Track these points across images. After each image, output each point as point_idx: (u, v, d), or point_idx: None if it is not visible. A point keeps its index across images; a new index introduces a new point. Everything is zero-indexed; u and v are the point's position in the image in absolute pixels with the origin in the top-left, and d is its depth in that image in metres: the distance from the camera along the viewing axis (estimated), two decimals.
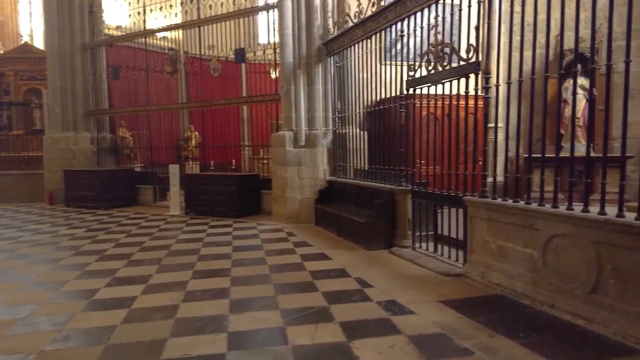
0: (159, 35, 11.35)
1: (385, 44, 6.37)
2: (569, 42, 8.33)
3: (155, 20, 10.99)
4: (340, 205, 6.64)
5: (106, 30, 11.05)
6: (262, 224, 7.35)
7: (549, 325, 3.06)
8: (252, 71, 13.42)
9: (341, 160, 7.18)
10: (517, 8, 8.91)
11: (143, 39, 10.36)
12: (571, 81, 8.58)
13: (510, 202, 3.78)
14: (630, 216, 2.85)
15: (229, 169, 10.79)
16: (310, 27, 7.20)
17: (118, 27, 11.46)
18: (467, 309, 3.37)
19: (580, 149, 7.70)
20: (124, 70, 10.59)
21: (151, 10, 10.33)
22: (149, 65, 10.32)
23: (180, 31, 11.34)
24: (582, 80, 8.29)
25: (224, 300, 3.69)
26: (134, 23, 10.83)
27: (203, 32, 9.60)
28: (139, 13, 10.37)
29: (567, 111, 8.48)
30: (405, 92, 5.26)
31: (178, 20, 10.27)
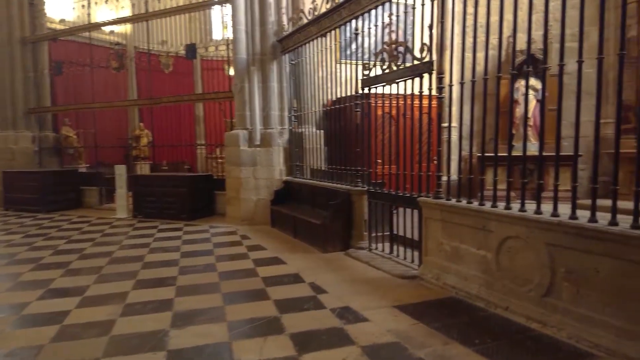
0: (107, 29, 10.74)
1: (341, 42, 6.24)
2: (520, 44, 8.57)
3: (101, 13, 10.40)
4: (297, 206, 6.46)
5: (49, 24, 10.33)
6: (215, 226, 7.05)
7: (504, 330, 3.01)
8: (208, 68, 13.00)
9: (298, 160, 7.00)
10: (470, 9, 9.07)
11: (88, 33, 9.74)
12: (522, 82, 8.81)
13: (464, 203, 3.73)
14: (583, 218, 2.83)
15: (182, 168, 10.37)
16: (264, 23, 6.97)
17: (62, 21, 10.75)
18: (422, 314, 3.28)
19: (532, 148, 7.92)
20: (67, 66, 9.94)
21: (96, 2, 9.75)
22: (93, 60, 9.73)
23: (129, 25, 10.77)
24: (533, 81, 8.49)
25: (167, 313, 3.42)
26: (78, 16, 10.21)
27: (153, 26, 9.15)
28: (83, 6, 9.76)
29: (519, 111, 8.68)
30: (360, 92, 5.14)
31: (127, 13, 9.75)
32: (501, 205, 3.41)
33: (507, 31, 9.05)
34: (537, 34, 9.01)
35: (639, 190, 2.54)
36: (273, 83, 7.05)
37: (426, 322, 3.14)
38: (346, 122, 5.75)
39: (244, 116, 7.01)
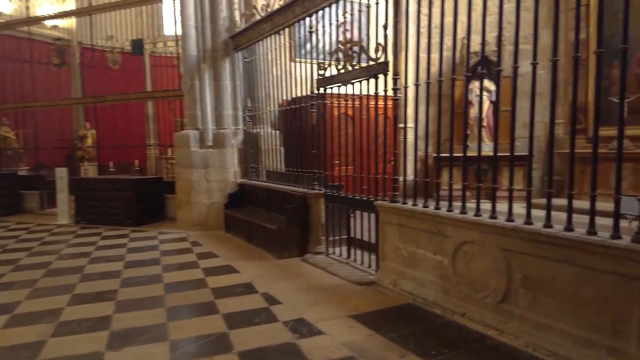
0: (49, 23, 10.03)
1: (296, 41, 6.05)
2: (474, 45, 8.69)
3: (43, 7, 9.70)
4: (252, 210, 6.22)
5: None
6: (164, 232, 6.68)
7: (461, 338, 2.92)
8: (158, 64, 12.44)
9: (253, 162, 6.75)
10: (425, 10, 9.12)
11: (27, 28, 9.04)
12: (476, 83, 8.95)
13: (420, 207, 3.64)
14: (539, 222, 2.79)
15: (132, 170, 9.84)
16: (215, 19, 6.67)
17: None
18: (378, 324, 3.15)
19: (485, 149, 8.04)
20: (3, 62, 9.21)
21: None
22: (33, 57, 9.06)
23: (74, 20, 10.11)
24: (487, 83, 8.64)
25: (104, 332, 3.12)
26: (16, 9, 9.49)
27: (99, 21, 8.62)
28: None
29: (473, 112, 8.81)
30: (315, 92, 4.97)
31: (71, 7, 9.13)
32: (457, 209, 3.34)
33: (461, 32, 9.16)
34: (491, 35, 9.20)
35: (594, 195, 2.51)
36: (226, 81, 6.76)
37: (383, 332, 3.01)
38: (302, 122, 5.57)
39: (195, 115, 6.69)
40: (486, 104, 8.74)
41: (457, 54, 9.81)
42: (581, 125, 8.48)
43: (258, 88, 6.51)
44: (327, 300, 3.66)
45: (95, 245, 5.92)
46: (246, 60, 6.65)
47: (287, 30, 5.57)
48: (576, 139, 8.62)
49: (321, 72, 4.80)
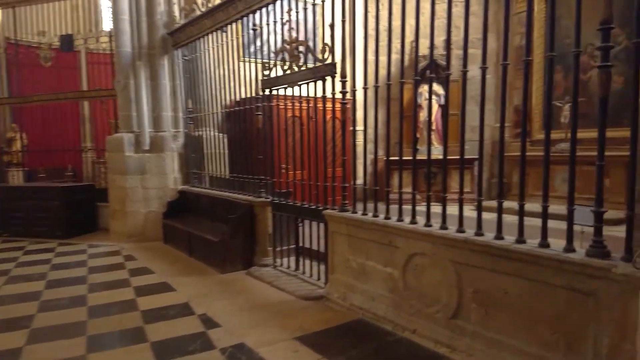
0: None
1: (243, 39, 5.71)
2: (422, 49, 8.72)
3: None
4: (194, 220, 5.82)
5: None
6: (95, 245, 6.12)
7: (411, 357, 2.75)
8: (97, 62, 11.61)
9: (196, 167, 6.34)
10: (373, 12, 9.05)
11: None
12: (425, 87, 8.99)
13: (370, 216, 3.45)
14: (489, 233, 2.66)
15: (64, 176, 9.07)
16: (152, 14, 6.20)
17: None
18: (326, 346, 2.92)
19: (434, 152, 8.07)
20: None
21: None
22: None
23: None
24: (435, 86, 8.68)
25: None
26: None
27: (29, 15, 7.85)
28: None
29: (422, 116, 8.84)
30: (261, 93, 4.68)
31: None
32: (407, 219, 3.18)
33: (410, 36, 9.17)
34: (439, 39, 9.30)
35: (546, 206, 2.40)
36: (164, 80, 6.31)
37: (330, 355, 2.78)
38: (248, 125, 5.24)
39: (130, 117, 6.18)
40: (435, 108, 8.79)
41: (406, 57, 9.83)
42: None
43: (200, 88, 6.10)
44: (272, 319, 3.38)
45: (15, 262, 5.30)
46: (186, 58, 6.24)
47: (232, 27, 5.22)
48: (519, 142, 8.79)
49: (266, 72, 4.52)
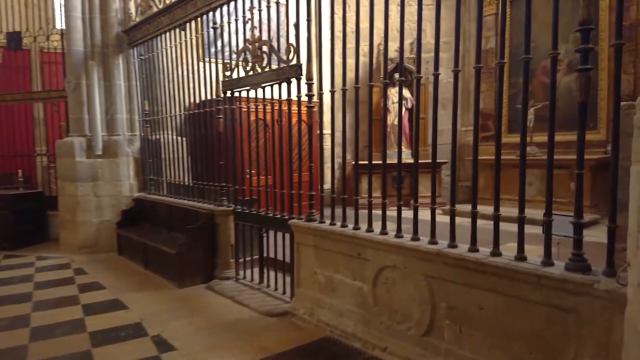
0: None
1: (204, 38, 5.41)
2: (390, 52, 8.65)
3: None
4: (151, 230, 5.47)
5: None
6: (44, 257, 5.66)
7: None
8: (52, 61, 10.95)
9: (153, 173, 5.97)
10: (340, 13, 8.92)
11: None
12: (392, 90, 8.93)
13: (338, 226, 3.27)
14: (463, 245, 2.52)
15: (15, 182, 8.45)
16: (106, 10, 5.82)
17: None
18: None
19: (403, 156, 8.01)
20: None
21: None
22: None
23: None
24: (404, 90, 8.63)
25: None
26: None
27: None
28: None
29: (390, 119, 8.77)
30: (221, 95, 4.42)
31: None
32: (378, 229, 3.01)
33: (377, 38, 9.07)
34: (407, 42, 9.27)
35: (522, 217, 2.28)
36: (119, 81, 5.93)
37: None
38: (209, 129, 4.95)
39: (81, 120, 5.77)
40: (403, 112, 8.73)
41: (374, 60, 9.75)
42: (490, 132, 8.80)
43: (158, 89, 5.75)
44: (233, 340, 3.13)
45: None
46: (142, 57, 5.88)
47: (192, 26, 4.92)
48: (486, 146, 8.81)
49: (227, 73, 4.26)
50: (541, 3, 7.00)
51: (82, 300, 4.04)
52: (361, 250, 3.03)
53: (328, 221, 3.39)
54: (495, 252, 2.35)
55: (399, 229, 2.87)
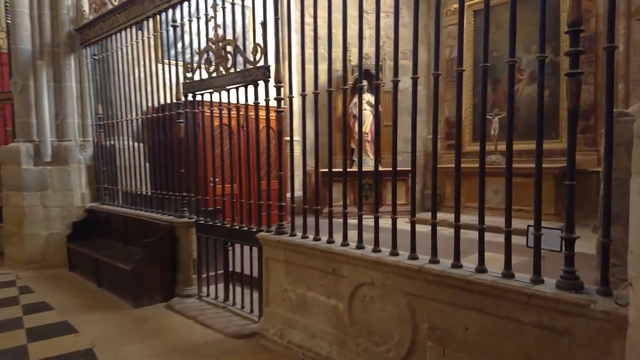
0: None
1: (162, 38, 5.08)
2: (355, 59, 8.58)
3: None
4: (104, 243, 5.07)
5: None
6: None
7: None
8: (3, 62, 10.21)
9: (108, 182, 5.56)
10: (308, 19, 8.76)
11: None
12: (360, 97, 8.84)
13: (310, 239, 3.05)
14: (446, 260, 2.37)
15: None
16: (57, 7, 5.40)
17: None
18: None
19: (369, 163, 7.89)
20: None
21: None
22: None
23: None
24: (369, 97, 8.55)
25: None
26: None
27: None
28: None
29: (356, 126, 8.66)
30: (182, 99, 4.13)
31: None
32: (353, 242, 2.82)
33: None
34: (371, 49, 9.22)
35: (509, 230, 2.14)
36: (70, 83, 5.50)
37: None
38: (169, 134, 4.62)
39: (29, 124, 5.30)
40: (369, 118, 8.64)
41: (340, 66, 9.62)
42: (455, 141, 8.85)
43: (113, 92, 5.36)
44: None
45: None
46: (95, 57, 5.48)
47: (151, 24, 4.59)
48: (451, 154, 8.84)
49: (189, 75, 3.98)
50: (505, 14, 7.12)
51: (26, 323, 3.63)
52: (336, 265, 2.83)
53: (300, 233, 3.18)
54: (481, 269, 2.20)
55: (376, 242, 2.69)
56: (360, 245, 2.77)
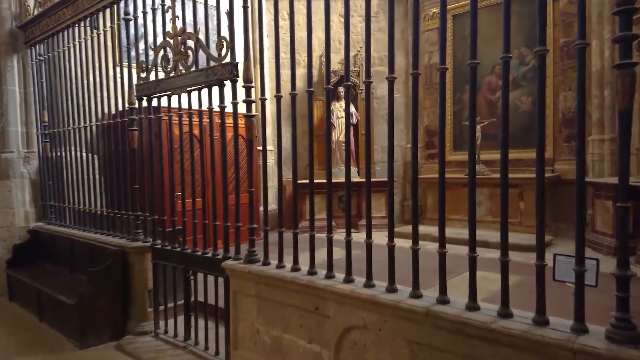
0: None
1: (121, 38, 4.51)
2: (333, 63, 8.16)
3: None
4: (50, 270, 4.41)
5: None
6: None
7: None
8: None
9: (54, 199, 4.88)
10: (282, 23, 8.29)
11: None
12: (337, 104, 8.41)
13: (288, 269, 2.55)
14: (459, 300, 1.90)
15: None
16: None
17: None
18: None
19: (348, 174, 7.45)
20: None
21: None
22: None
23: None
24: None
25: None
26: None
27: None
28: None
29: (334, 135, 8.23)
30: (136, 103, 3.57)
31: None
32: (340, 275, 2.33)
33: (319, 50, 8.47)
34: (350, 55, 8.83)
35: (541, 265, 1.69)
36: (12, 87, 4.84)
37: None
38: (121, 144, 4.02)
39: None
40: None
41: (315, 72, 9.17)
42: (436, 150, 8.49)
43: (62, 96, 4.72)
44: None
45: None
46: (42, 58, 4.83)
47: (106, 20, 4.00)
48: (431, 164, 8.45)
49: (143, 75, 3.42)
50: (484, 20, 6.83)
51: None
52: (319, 303, 2.32)
53: (275, 261, 2.66)
54: (505, 313, 1.74)
55: (369, 275, 2.20)
56: (349, 279, 2.28)
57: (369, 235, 2.25)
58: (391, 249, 2.14)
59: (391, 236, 2.16)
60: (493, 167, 6.84)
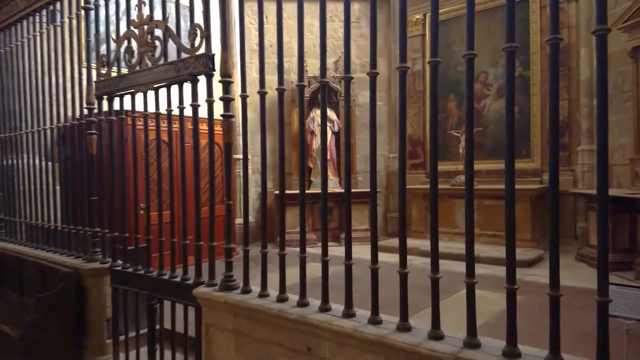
0: None
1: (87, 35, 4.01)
2: (313, 70, 7.84)
3: None
4: None
5: None
6: None
7: None
8: None
9: (4, 212, 4.31)
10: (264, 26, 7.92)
11: None
12: (317, 111, 8.07)
13: (272, 299, 2.13)
14: (491, 342, 1.53)
15: None
16: None
17: None
18: None
19: (329, 184, 7.08)
20: None
21: None
22: None
23: None
24: (329, 112, 7.79)
25: None
26: None
27: None
28: None
29: (315, 143, 7.88)
30: (94, 103, 3.10)
31: None
32: (338, 308, 1.93)
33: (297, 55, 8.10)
34: (330, 60, 8.55)
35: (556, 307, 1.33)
36: None
37: None
38: (78, 150, 3.51)
39: None
40: (328, 135, 7.87)
41: (296, 78, 8.87)
42: (420, 160, 8.25)
43: (15, 97, 4.18)
44: None
45: None
46: None
47: (65, 10, 3.53)
48: (414, 174, 8.17)
49: (103, 71, 2.96)
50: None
51: None
52: (312, 342, 1.91)
53: (256, 288, 2.24)
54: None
55: (374, 309, 1.81)
56: (349, 312, 1.88)
57: (374, 261, 1.85)
58: (403, 277, 1.76)
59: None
60: (479, 178, 6.60)
